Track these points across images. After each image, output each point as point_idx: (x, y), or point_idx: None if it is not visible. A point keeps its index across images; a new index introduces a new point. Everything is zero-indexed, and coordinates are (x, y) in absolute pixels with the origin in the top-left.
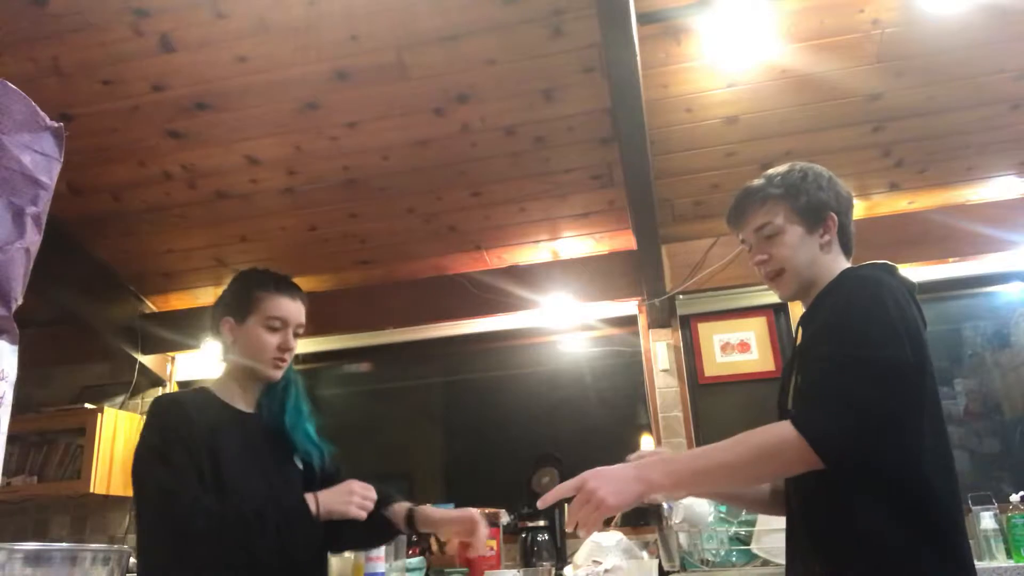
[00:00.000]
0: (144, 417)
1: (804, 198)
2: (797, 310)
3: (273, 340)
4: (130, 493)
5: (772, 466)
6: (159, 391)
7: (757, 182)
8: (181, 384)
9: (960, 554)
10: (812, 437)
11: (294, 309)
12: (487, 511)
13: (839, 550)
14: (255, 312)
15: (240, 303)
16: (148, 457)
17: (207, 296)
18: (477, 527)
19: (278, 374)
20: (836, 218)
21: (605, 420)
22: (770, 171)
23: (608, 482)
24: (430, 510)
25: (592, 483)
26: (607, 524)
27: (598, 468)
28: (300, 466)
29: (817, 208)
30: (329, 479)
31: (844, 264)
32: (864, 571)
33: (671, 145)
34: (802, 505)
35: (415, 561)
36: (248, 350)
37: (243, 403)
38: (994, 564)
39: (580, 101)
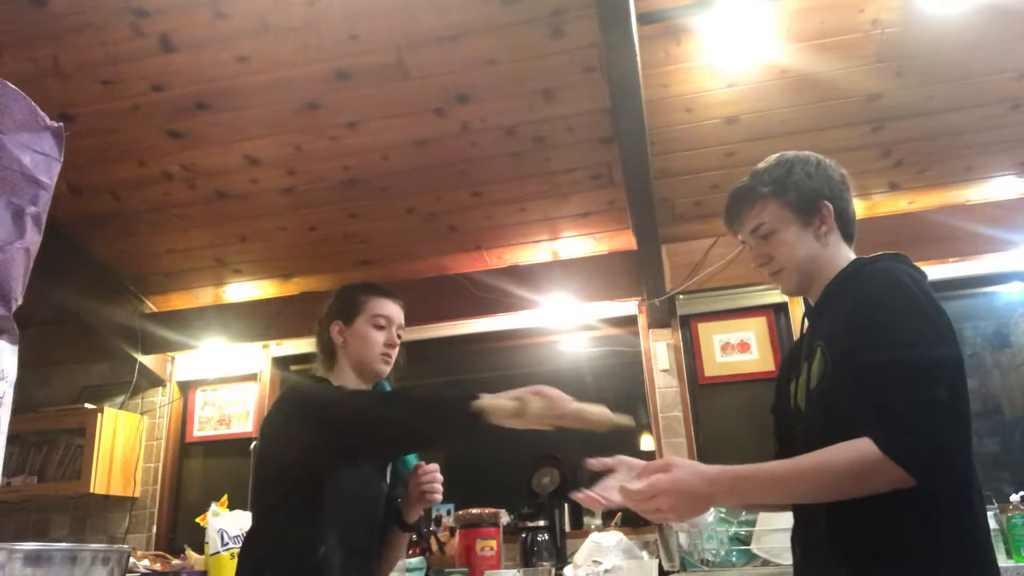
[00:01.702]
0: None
1: (793, 192)
2: (797, 310)
3: (380, 336)
4: (129, 493)
5: (857, 490)
6: (159, 391)
7: (745, 181)
8: (181, 384)
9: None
10: (905, 459)
11: (395, 310)
12: (487, 511)
13: (876, 557)
14: (362, 313)
15: (347, 307)
16: (276, 432)
17: (207, 296)
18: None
19: (386, 369)
20: (831, 205)
21: None
22: (758, 166)
23: (680, 504)
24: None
25: (664, 501)
26: (607, 524)
27: (676, 478)
28: (388, 479)
29: (809, 199)
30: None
31: (847, 252)
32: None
33: (671, 145)
34: (826, 509)
35: (415, 561)
36: (358, 347)
37: None
38: None
39: (580, 101)
